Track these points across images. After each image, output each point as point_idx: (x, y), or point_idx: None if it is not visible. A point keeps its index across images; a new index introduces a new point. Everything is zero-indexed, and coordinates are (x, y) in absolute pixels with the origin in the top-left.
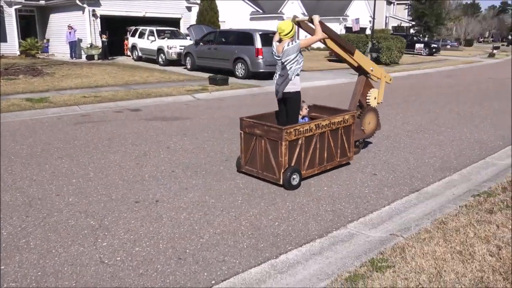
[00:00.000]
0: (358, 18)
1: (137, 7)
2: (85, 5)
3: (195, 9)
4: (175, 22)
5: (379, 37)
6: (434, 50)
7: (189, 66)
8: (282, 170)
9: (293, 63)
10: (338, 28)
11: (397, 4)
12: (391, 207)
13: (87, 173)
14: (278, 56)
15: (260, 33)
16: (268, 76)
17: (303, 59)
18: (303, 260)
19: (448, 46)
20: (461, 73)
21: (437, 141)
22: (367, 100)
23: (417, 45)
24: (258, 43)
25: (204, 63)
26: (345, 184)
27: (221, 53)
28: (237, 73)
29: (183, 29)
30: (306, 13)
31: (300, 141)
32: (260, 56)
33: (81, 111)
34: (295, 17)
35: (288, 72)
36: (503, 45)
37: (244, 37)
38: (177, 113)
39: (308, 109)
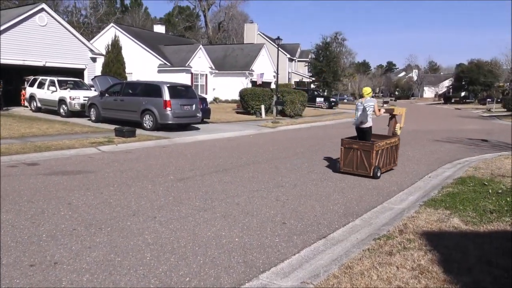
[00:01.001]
0: (263, 73)
1: (37, 56)
2: None
3: (101, 60)
4: (78, 73)
5: (283, 91)
6: (333, 103)
7: (93, 118)
8: (372, 168)
9: (371, 107)
10: (245, 82)
11: (298, 61)
12: (300, 255)
13: None
14: (361, 104)
15: (168, 85)
16: (178, 128)
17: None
18: None
19: (345, 100)
20: None
21: (340, 188)
22: (395, 131)
23: (318, 99)
24: (167, 95)
25: (110, 114)
26: (256, 234)
27: (128, 105)
28: (145, 124)
29: (87, 80)
30: (213, 67)
31: (379, 151)
32: (168, 108)
33: None
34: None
35: (368, 113)
36: (391, 99)
37: (152, 89)
38: (80, 167)
39: None
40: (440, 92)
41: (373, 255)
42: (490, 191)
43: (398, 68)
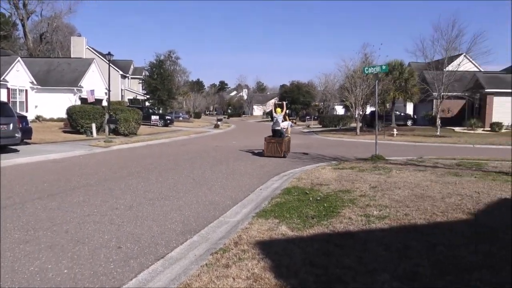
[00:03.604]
0: (93, 90)
1: None
2: None
3: None
4: None
5: (116, 108)
6: (168, 121)
7: None
8: (283, 152)
9: (280, 119)
10: (73, 98)
11: (131, 78)
12: (138, 279)
13: None
14: (274, 117)
15: None
16: None
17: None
18: None
19: (181, 118)
20: (194, 142)
21: (177, 206)
22: (287, 133)
23: (153, 117)
24: None
25: None
26: (89, 263)
27: None
28: None
29: None
30: (35, 82)
31: (285, 143)
32: None
33: None
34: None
35: (279, 121)
36: (224, 117)
37: None
38: None
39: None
40: (267, 110)
41: (210, 270)
42: (310, 198)
43: (230, 87)
